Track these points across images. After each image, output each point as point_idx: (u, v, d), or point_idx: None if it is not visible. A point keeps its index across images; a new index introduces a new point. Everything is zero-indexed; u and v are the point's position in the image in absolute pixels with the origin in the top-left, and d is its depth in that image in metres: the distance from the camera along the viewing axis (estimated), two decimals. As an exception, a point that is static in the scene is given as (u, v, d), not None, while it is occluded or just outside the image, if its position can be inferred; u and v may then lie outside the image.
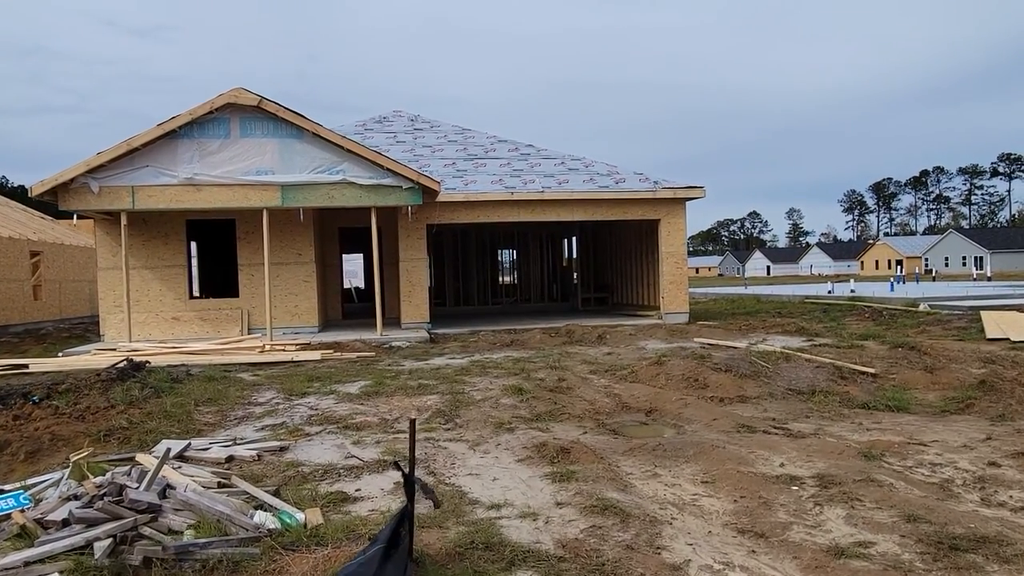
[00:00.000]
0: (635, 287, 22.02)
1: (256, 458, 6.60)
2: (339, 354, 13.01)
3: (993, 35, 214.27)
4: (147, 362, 10.52)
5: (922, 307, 18.83)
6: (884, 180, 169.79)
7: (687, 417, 8.14)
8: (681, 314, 18.76)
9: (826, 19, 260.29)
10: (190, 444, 6.86)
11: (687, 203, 19.05)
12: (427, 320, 18.03)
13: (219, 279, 21.55)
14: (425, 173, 16.60)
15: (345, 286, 36.45)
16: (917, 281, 40.06)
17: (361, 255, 28.21)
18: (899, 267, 39.22)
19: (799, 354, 10.95)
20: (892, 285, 28.52)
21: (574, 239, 27.24)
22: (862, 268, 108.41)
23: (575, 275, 27.27)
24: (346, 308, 25.68)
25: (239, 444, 7.08)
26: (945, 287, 30.68)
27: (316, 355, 12.74)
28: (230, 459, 6.58)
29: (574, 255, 27.82)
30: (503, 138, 22.49)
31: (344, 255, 32.78)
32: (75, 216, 16.04)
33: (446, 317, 22.93)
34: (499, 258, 31.33)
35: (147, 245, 17.27)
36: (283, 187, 15.71)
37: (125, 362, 10.32)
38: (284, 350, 13.64)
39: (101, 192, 15.15)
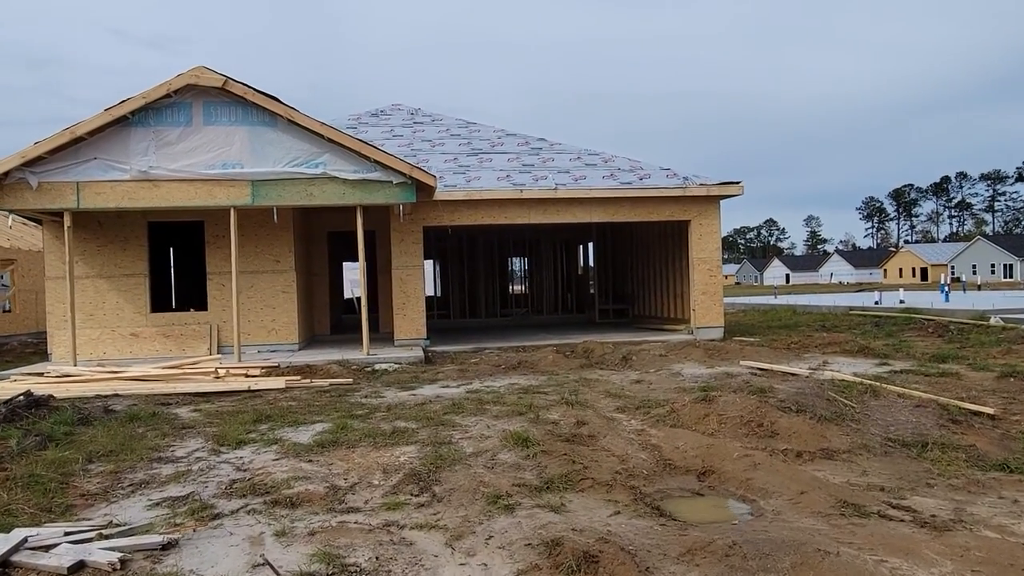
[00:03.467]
0: (660, 298, 19.63)
1: (116, 568, 4.31)
2: (308, 381, 10.73)
3: (1015, 38, 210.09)
4: (50, 397, 8.27)
5: (994, 320, 16.33)
6: (904, 186, 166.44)
7: (760, 486, 5.77)
8: (715, 329, 16.36)
9: (843, 25, 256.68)
10: (26, 540, 4.59)
11: (721, 202, 16.67)
12: (423, 336, 15.73)
13: (187, 290, 19.37)
14: (420, 166, 14.33)
15: (347, 295, 34.42)
16: (964, 290, 37.34)
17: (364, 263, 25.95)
18: (944, 275, 36.51)
19: (885, 386, 8.54)
20: (946, 295, 25.89)
21: (591, 245, 24.90)
22: (885, 276, 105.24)
23: (591, 284, 24.93)
24: (345, 320, 23.48)
25: (107, 537, 4.79)
26: (1001, 297, 27.98)
27: (279, 383, 10.47)
28: (78, 568, 4.31)
29: (590, 262, 25.48)
30: (512, 131, 20.21)
31: (346, 263, 30.72)
32: (10, 217, 13.85)
33: (449, 331, 20.63)
34: (509, 266, 29.09)
35: (103, 251, 15.10)
36: (253, 183, 13.49)
37: (22, 397, 8.08)
38: (247, 374, 11.38)
39: (41, 188, 12.99)
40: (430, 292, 30.48)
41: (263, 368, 11.87)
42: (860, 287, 75.92)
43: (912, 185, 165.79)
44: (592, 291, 24.50)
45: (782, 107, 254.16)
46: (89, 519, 5.24)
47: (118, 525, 5.04)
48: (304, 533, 4.86)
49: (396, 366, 12.51)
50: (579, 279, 26.45)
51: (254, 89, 13.20)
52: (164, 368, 11.38)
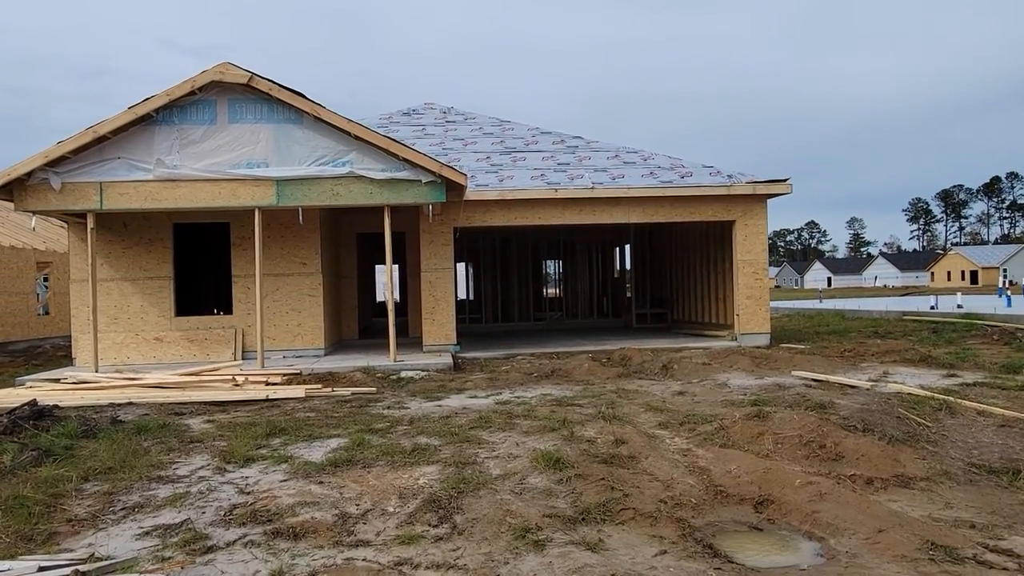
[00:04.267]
0: (700, 302, 18.77)
1: (83, 615, 3.75)
2: (330, 389, 10.18)
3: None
4: (54, 407, 7.82)
5: (1066, 328, 15.16)
6: (953, 187, 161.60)
7: (829, 520, 5.00)
8: (760, 335, 15.46)
9: (890, 24, 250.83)
10: (-12, 579, 4.06)
11: (768, 201, 15.78)
12: (453, 341, 15.13)
13: (213, 293, 19.04)
14: (450, 165, 13.74)
15: (379, 299, 34.02)
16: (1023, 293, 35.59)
17: (396, 265, 25.52)
18: (1003, 278, 34.79)
19: (961, 402, 7.67)
20: (1008, 300, 24.49)
21: (627, 247, 24.09)
22: (932, 279, 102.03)
23: (628, 288, 24.13)
24: (376, 324, 23.02)
25: (83, 574, 4.23)
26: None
27: (299, 392, 9.93)
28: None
29: (627, 265, 24.68)
30: (547, 130, 19.54)
31: (379, 265, 30.33)
32: (33, 219, 13.60)
33: (481, 336, 20.03)
34: (543, 269, 28.42)
35: (127, 253, 14.80)
36: (278, 182, 13.03)
37: (27, 406, 7.65)
38: (267, 382, 10.89)
39: (63, 189, 12.69)
40: (462, 295, 30.03)
41: (284, 375, 11.36)
42: (907, 291, 73.51)
43: (962, 186, 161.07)
44: (629, 295, 23.70)
45: (825, 107, 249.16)
46: (71, 550, 4.71)
47: (99, 559, 4.49)
48: (304, 573, 4.25)
49: (423, 374, 11.92)
50: (615, 282, 25.66)
51: (279, 85, 12.75)
52: (182, 375, 10.94)
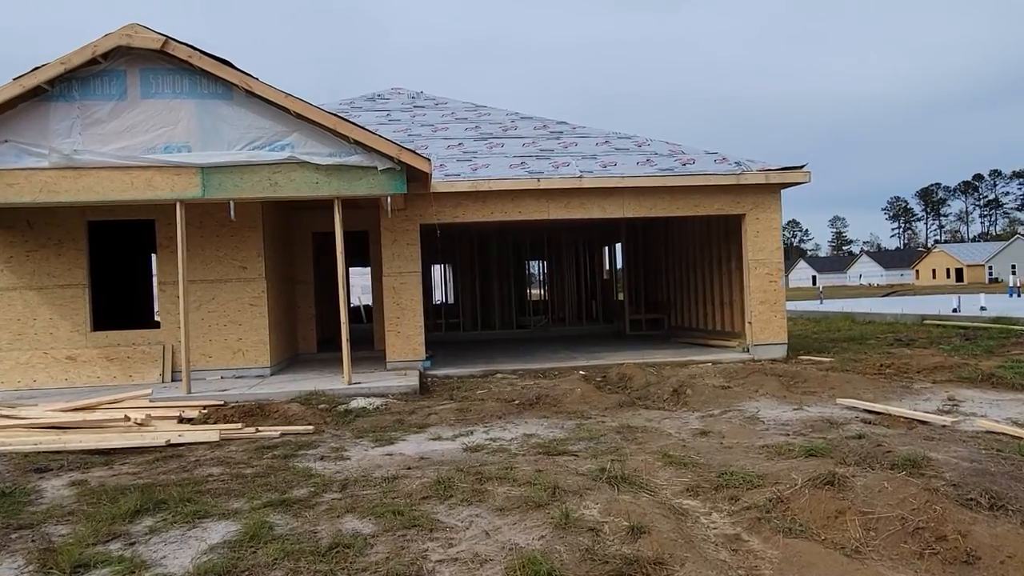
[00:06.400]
0: (703, 307, 16.72)
1: None
2: (253, 430, 7.96)
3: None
4: None
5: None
6: (932, 185, 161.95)
7: None
8: (776, 346, 13.41)
9: (868, 22, 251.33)
10: None
11: (782, 192, 13.75)
12: (422, 357, 12.94)
13: (136, 303, 16.69)
14: (410, 148, 11.53)
15: (355, 303, 31.66)
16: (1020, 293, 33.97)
17: (369, 268, 23.19)
18: (1013, 276, 33.10)
19: (1098, 453, 5.61)
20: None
21: (618, 246, 22.03)
22: (917, 277, 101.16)
23: (618, 290, 22.07)
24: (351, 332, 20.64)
25: None
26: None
27: (212, 434, 7.71)
28: None
29: (617, 265, 22.63)
30: (527, 115, 17.42)
31: (354, 268, 27.95)
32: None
33: (459, 345, 17.87)
34: (527, 270, 26.32)
35: (32, 257, 12.48)
36: (204, 170, 10.77)
37: None
38: (180, 417, 8.65)
39: (-63, 179, 10.38)
40: (439, 299, 27.80)
41: (204, 407, 9.13)
42: (892, 289, 72.05)
43: (940, 184, 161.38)
44: (620, 298, 21.63)
45: (803, 108, 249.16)
46: None
47: None
48: None
49: (380, 401, 9.71)
50: (604, 285, 23.59)
51: (201, 51, 10.49)
52: (70, 410, 8.66)
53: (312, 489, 5.84)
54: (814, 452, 6.14)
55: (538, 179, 13.00)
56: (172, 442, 7.56)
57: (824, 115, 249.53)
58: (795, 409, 8.29)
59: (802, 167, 13.43)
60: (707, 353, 13.91)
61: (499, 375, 12.51)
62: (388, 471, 6.32)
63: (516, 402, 9.48)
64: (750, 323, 13.49)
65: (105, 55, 10.43)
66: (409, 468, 6.41)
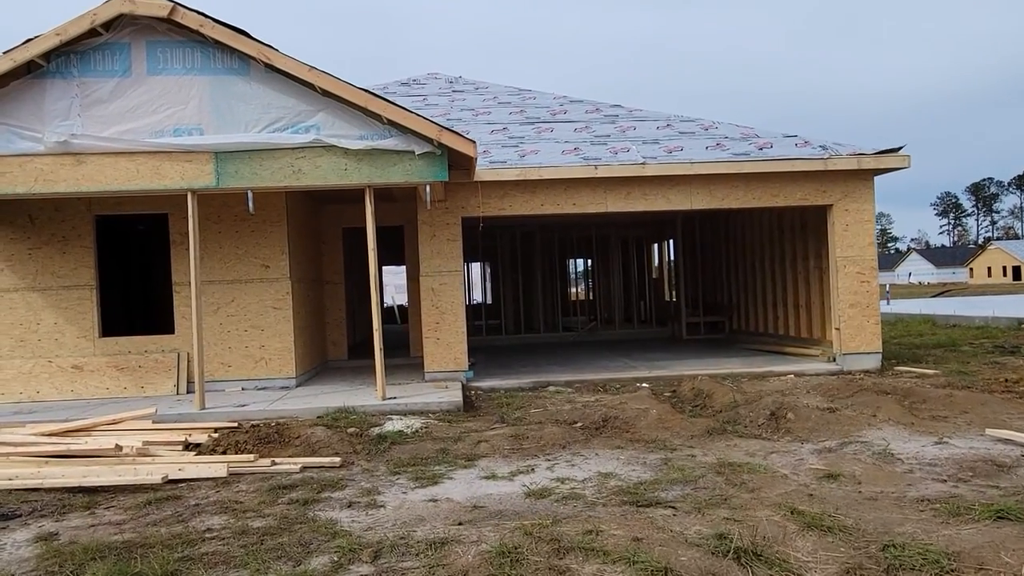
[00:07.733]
0: (772, 309, 15.02)
1: None
2: (268, 463, 6.58)
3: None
4: None
5: None
6: (984, 180, 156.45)
7: None
8: (869, 356, 11.69)
9: (917, 17, 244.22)
10: None
11: (875, 179, 12.03)
12: (464, 367, 11.51)
13: (150, 306, 15.51)
14: (453, 129, 10.08)
15: (386, 303, 30.42)
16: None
17: (403, 267, 21.82)
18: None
19: None
20: None
21: (669, 242, 20.37)
22: (971, 276, 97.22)
23: (669, 290, 20.41)
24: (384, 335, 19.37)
25: None
26: None
27: (220, 468, 6.35)
28: None
29: (667, 263, 20.96)
30: (577, 98, 15.88)
31: (387, 267, 26.65)
32: None
33: (501, 350, 16.44)
34: (572, 269, 24.83)
35: (35, 255, 11.32)
36: (218, 155, 9.46)
37: None
38: (186, 442, 7.31)
39: (-77, 168, 9.22)
40: (478, 299, 26.37)
41: (215, 429, 7.79)
42: (945, 288, 68.82)
43: (992, 179, 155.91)
44: (673, 298, 19.98)
45: (849, 103, 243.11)
46: None
47: None
48: None
49: (419, 423, 8.28)
50: (655, 284, 21.95)
51: (214, 20, 9.17)
52: (60, 433, 7.38)
53: (335, 557, 4.41)
54: (1004, 513, 4.54)
55: (595, 166, 11.47)
56: (171, 478, 6.21)
57: (865, 111, 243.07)
58: (936, 443, 6.64)
59: (898, 150, 11.70)
60: (785, 363, 12.25)
61: (551, 388, 11.02)
62: (434, 529, 4.87)
63: (579, 425, 7.98)
64: (838, 329, 11.79)
65: (107, 25, 9.17)
66: (460, 524, 4.96)
